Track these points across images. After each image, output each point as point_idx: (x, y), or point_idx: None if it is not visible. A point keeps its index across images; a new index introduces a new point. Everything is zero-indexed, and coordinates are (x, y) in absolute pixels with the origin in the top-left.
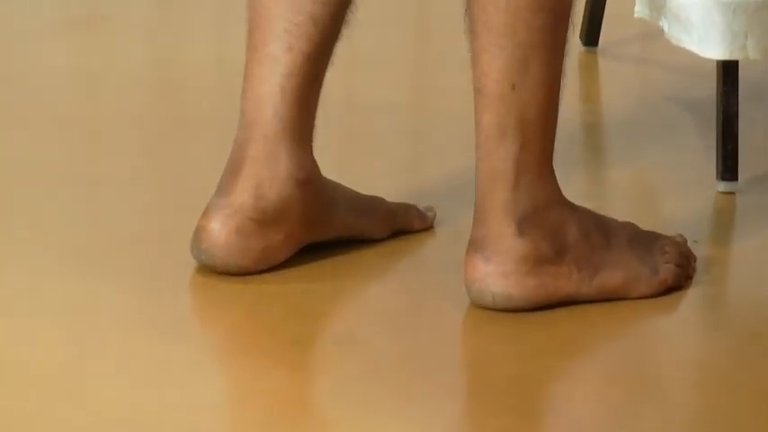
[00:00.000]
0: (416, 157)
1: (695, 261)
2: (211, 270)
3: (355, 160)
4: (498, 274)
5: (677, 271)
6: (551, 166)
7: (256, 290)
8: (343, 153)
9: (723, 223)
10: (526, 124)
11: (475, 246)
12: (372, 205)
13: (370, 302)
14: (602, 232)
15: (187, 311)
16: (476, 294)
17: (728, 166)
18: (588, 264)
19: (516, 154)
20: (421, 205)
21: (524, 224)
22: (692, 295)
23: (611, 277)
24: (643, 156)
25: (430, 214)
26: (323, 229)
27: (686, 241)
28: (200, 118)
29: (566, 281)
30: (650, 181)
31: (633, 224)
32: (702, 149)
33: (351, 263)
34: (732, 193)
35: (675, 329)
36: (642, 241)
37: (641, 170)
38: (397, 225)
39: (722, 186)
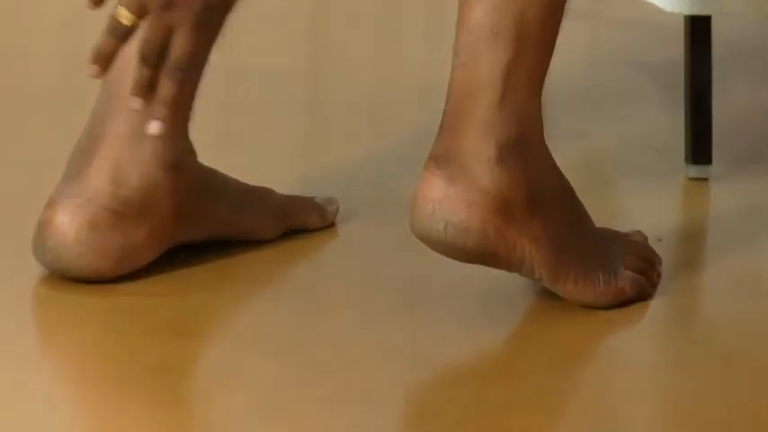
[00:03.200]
0: (314, 137)
1: (660, 265)
2: (59, 275)
3: (238, 142)
4: (461, 200)
5: (639, 279)
6: (542, 87)
7: (114, 303)
8: (223, 133)
9: (694, 217)
10: (525, 29)
11: (437, 160)
12: (259, 198)
13: (257, 320)
14: (577, 206)
15: (29, 331)
16: (424, 219)
17: (700, 147)
18: (555, 237)
19: (508, 64)
20: (320, 197)
21: (506, 151)
22: (656, 307)
23: (572, 273)
24: (593, 134)
25: (331, 208)
26: (198, 226)
27: (647, 240)
28: (45, 89)
29: (529, 242)
30: (602, 165)
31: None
32: (667, 126)
33: (232, 269)
34: (704, 179)
35: (636, 351)
36: (604, 238)
37: (590, 152)
38: (289, 222)
39: (692, 171)
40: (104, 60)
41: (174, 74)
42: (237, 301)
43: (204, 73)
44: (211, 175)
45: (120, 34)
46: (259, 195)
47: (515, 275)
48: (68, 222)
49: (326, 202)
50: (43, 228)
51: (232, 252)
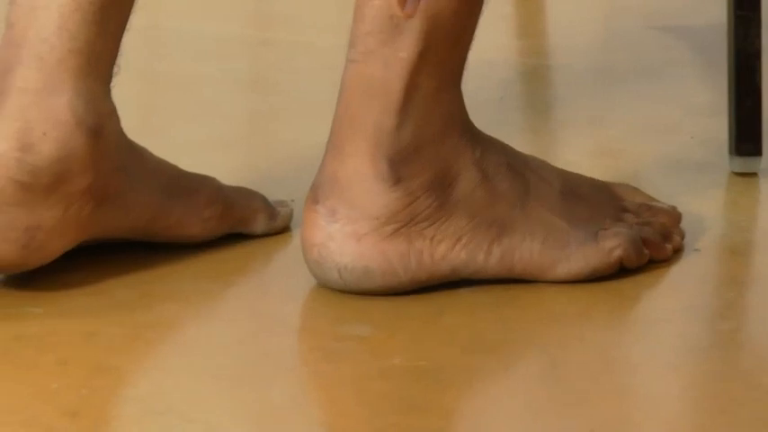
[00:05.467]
0: (263, 119)
1: (682, 237)
2: None
3: (168, 122)
4: (347, 235)
5: (631, 237)
6: (459, 80)
7: (17, 328)
8: (149, 110)
9: (739, 222)
10: (433, 19)
11: (317, 191)
12: (196, 188)
13: (191, 350)
14: (518, 176)
15: None
16: (315, 268)
17: (747, 134)
18: (489, 222)
19: (412, 62)
20: (271, 198)
21: (401, 166)
22: (691, 334)
23: (524, 244)
24: (612, 119)
25: (283, 211)
26: (120, 213)
27: (680, 217)
28: None
29: (450, 246)
30: (623, 157)
31: (582, 176)
32: (706, 108)
33: (158, 284)
34: (752, 174)
35: (664, 397)
36: (587, 195)
37: (609, 141)
38: (233, 221)
39: (737, 164)
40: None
41: None
42: (166, 325)
43: (127, 20)
44: (138, 150)
45: None
46: (194, 183)
47: None
48: None
49: (278, 204)
50: None
51: (155, 259)
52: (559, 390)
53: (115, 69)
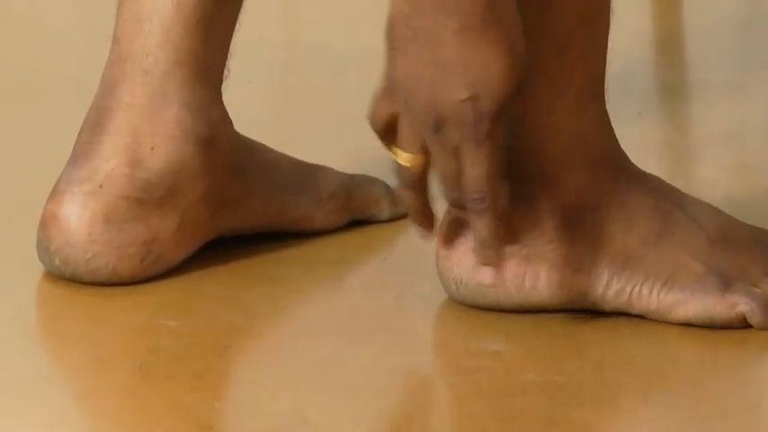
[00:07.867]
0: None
1: None
2: (70, 279)
3: (303, 136)
4: (468, 249)
5: (765, 301)
6: (597, 101)
7: (151, 341)
8: (283, 125)
9: None
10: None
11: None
12: (314, 178)
13: (320, 365)
14: (663, 215)
15: (36, 367)
16: (440, 277)
17: None
18: (613, 255)
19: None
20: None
21: (528, 188)
22: None
23: (645, 282)
24: (749, 134)
25: None
26: (239, 214)
27: None
28: (63, 70)
29: (569, 275)
30: (760, 173)
31: (747, 225)
32: None
33: (289, 294)
34: None
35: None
36: (743, 246)
37: (746, 156)
38: (353, 209)
39: None
40: (424, 218)
41: (478, 209)
42: (301, 339)
43: (235, 25)
44: (252, 148)
45: (410, 181)
46: (313, 175)
47: None
48: (78, 216)
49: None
50: (47, 224)
51: (280, 248)
52: (696, 405)
53: (225, 73)
